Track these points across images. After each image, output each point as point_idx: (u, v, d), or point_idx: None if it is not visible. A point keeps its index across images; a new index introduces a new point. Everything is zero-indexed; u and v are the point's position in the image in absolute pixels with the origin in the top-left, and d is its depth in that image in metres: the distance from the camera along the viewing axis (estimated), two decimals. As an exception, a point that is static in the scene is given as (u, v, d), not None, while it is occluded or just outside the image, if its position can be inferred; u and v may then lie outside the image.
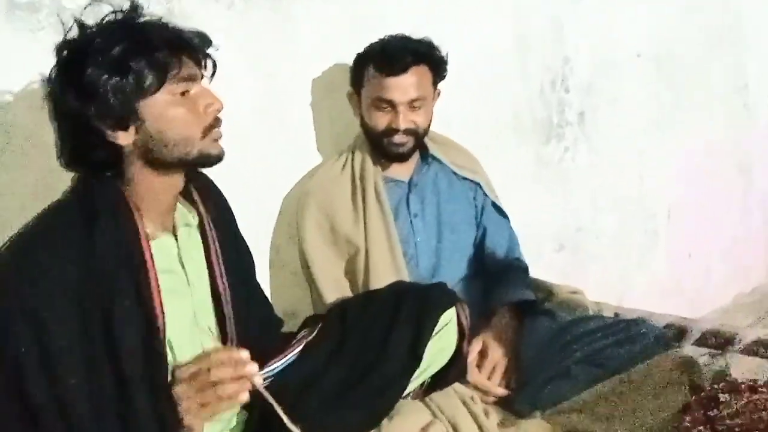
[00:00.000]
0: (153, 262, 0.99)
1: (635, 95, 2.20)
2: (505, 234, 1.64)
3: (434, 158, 1.60)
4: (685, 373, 1.27)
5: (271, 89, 1.54)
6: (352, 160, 1.55)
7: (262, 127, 1.54)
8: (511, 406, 1.34)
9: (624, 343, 1.31)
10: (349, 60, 1.54)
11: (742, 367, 1.47)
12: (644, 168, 2.26)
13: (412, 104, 1.45)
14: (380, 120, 1.46)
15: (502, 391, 1.36)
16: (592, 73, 2.09)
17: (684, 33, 2.29)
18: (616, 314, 1.57)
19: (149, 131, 0.99)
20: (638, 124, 2.22)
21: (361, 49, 1.51)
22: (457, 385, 1.32)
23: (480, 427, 1.25)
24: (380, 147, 1.50)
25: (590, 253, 2.15)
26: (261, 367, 1.15)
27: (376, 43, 1.50)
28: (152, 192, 1.03)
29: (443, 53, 1.51)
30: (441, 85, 1.54)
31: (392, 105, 1.44)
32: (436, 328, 1.24)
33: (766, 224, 2.53)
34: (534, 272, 1.82)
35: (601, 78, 2.11)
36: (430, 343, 1.23)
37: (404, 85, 1.44)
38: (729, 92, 2.44)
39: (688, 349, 1.46)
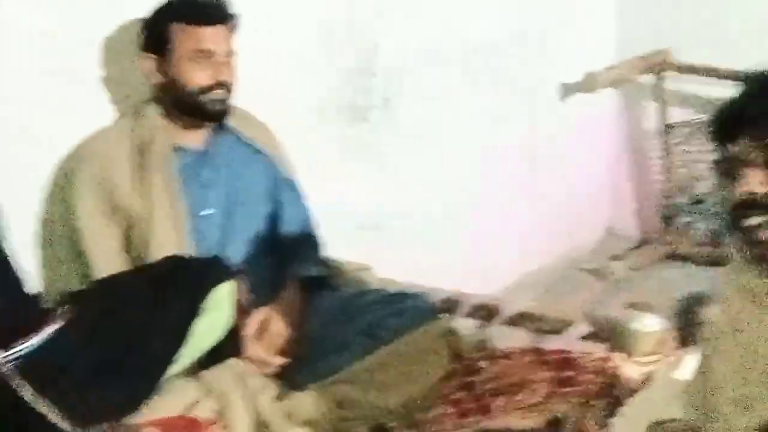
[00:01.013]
0: None
1: (440, 86, 2.30)
2: (300, 210, 1.65)
3: (229, 129, 1.57)
4: (448, 342, 1.36)
5: (49, 51, 1.41)
6: (136, 126, 1.47)
7: (33, 91, 1.40)
8: (291, 378, 1.36)
9: (397, 315, 1.37)
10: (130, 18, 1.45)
11: (504, 337, 1.61)
12: (447, 155, 2.38)
13: (227, 57, 1.45)
14: (200, 74, 1.43)
15: (279, 360, 1.37)
16: (399, 60, 2.16)
17: (486, 31, 2.44)
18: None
19: None
20: (442, 113, 2.34)
21: (144, 10, 1.44)
22: (233, 360, 1.31)
23: (253, 402, 1.24)
24: (196, 107, 1.45)
25: (394, 234, 2.23)
26: (11, 345, 1.06)
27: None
28: None
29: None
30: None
31: (211, 56, 1.43)
32: (211, 303, 1.21)
33: (549, 213, 2.79)
34: (339, 252, 1.84)
35: (408, 66, 2.18)
36: (203, 319, 1.21)
37: (222, 36, 1.44)
38: (524, 93, 2.65)
39: (460, 321, 1.58)
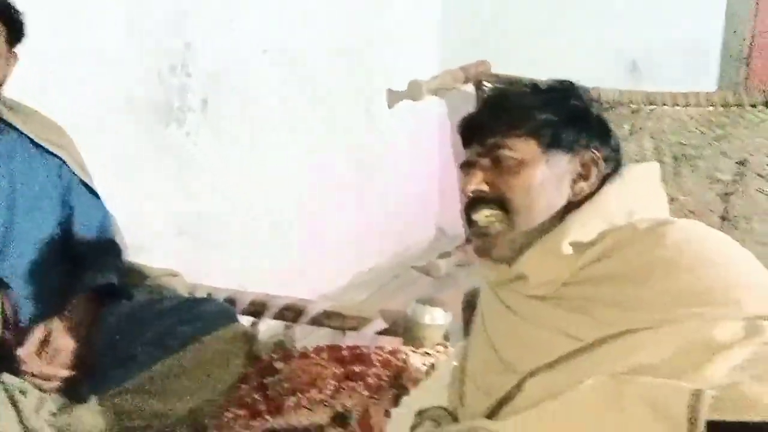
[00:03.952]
0: None
1: (263, 89, 2.30)
2: (96, 215, 1.58)
3: (10, 126, 1.47)
4: (243, 345, 1.37)
5: None
6: None
7: None
8: (74, 392, 1.29)
9: (188, 322, 1.36)
10: None
11: (308, 336, 1.64)
12: (271, 159, 2.39)
13: None
14: None
15: (62, 373, 1.31)
16: (216, 62, 2.13)
17: (313, 37, 2.47)
18: (209, 294, 1.62)
19: None
20: (266, 117, 2.34)
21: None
22: (5, 376, 1.23)
23: (23, 422, 1.17)
24: None
25: (213, 239, 2.20)
26: None
27: None
28: None
29: (18, 12, 1.40)
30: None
31: None
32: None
33: (381, 214, 2.89)
34: (153, 257, 1.78)
35: (227, 68, 2.17)
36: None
37: None
38: (354, 98, 2.72)
39: (267, 323, 1.59)
